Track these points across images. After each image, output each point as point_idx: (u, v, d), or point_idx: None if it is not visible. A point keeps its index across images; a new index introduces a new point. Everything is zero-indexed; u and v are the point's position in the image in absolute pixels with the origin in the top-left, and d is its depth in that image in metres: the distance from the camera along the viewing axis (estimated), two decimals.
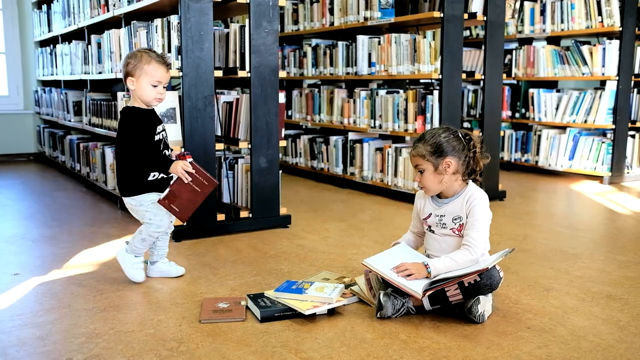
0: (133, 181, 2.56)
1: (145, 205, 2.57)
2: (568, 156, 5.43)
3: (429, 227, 2.36)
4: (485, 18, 4.23)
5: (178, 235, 3.29)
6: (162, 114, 3.56)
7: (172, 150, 2.70)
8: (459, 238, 2.27)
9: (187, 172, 2.49)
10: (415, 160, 2.30)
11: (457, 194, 2.30)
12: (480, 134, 4.32)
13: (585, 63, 5.23)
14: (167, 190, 2.50)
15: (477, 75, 4.37)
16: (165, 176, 2.58)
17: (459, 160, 2.26)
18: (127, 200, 2.60)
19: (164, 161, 2.53)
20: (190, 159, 2.52)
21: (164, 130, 2.62)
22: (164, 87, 2.55)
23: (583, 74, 5.27)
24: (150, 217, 2.57)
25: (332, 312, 2.24)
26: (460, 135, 2.28)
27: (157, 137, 2.56)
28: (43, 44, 6.50)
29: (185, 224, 3.28)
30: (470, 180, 2.32)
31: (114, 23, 4.26)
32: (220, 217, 3.42)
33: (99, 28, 4.57)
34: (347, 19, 4.96)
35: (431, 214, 2.34)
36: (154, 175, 2.56)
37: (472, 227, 2.22)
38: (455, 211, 2.27)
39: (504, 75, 4.44)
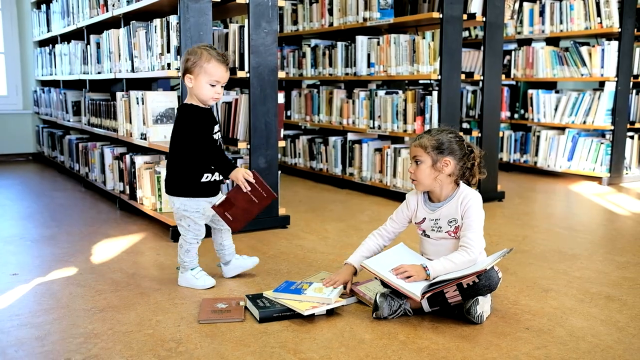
0: (184, 181, 2.50)
1: (189, 212, 2.51)
2: (567, 157, 5.44)
3: (423, 231, 2.35)
4: (484, 19, 4.23)
5: (177, 235, 3.27)
6: (162, 114, 3.56)
7: None
8: (455, 240, 2.27)
9: (247, 181, 2.42)
10: (415, 151, 2.28)
11: (450, 196, 2.29)
12: (479, 134, 4.32)
13: (584, 64, 5.24)
14: (224, 197, 2.42)
15: (476, 76, 4.38)
16: (217, 179, 2.52)
17: (457, 164, 2.26)
18: (172, 199, 2.54)
19: (227, 163, 2.46)
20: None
21: (220, 130, 2.57)
22: (221, 87, 2.48)
23: (582, 75, 5.27)
24: (188, 223, 2.53)
25: (330, 313, 2.24)
26: (464, 143, 2.29)
27: (214, 137, 2.50)
28: (42, 43, 6.49)
29: None
30: (461, 182, 2.32)
31: (113, 23, 4.26)
32: None
33: (98, 28, 4.57)
34: (347, 20, 4.96)
35: (425, 218, 2.33)
36: (207, 177, 2.51)
37: (469, 228, 2.22)
38: (451, 214, 2.27)
39: (503, 76, 4.44)
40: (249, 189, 2.42)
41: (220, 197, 2.45)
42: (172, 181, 2.53)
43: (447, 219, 2.27)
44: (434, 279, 2.17)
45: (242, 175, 2.42)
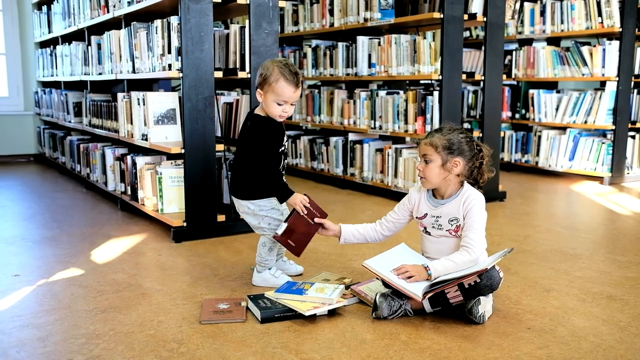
0: (255, 185, 2.52)
1: (265, 210, 2.53)
2: (568, 157, 5.44)
3: (424, 228, 2.35)
4: (485, 19, 4.23)
5: (178, 236, 3.29)
6: (163, 115, 3.56)
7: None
8: (455, 239, 2.27)
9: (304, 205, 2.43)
10: (425, 149, 2.27)
11: (454, 195, 2.29)
12: (481, 134, 4.32)
13: (585, 64, 5.23)
14: (285, 226, 2.41)
15: (477, 76, 4.37)
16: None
17: (466, 164, 2.26)
18: (245, 204, 2.54)
19: (284, 188, 2.46)
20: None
21: (287, 140, 2.57)
22: (291, 105, 2.47)
23: (583, 74, 5.27)
24: (268, 222, 2.53)
25: (332, 313, 2.24)
26: (474, 143, 2.28)
27: (281, 149, 2.51)
28: (43, 45, 6.50)
29: (185, 224, 3.28)
30: (466, 182, 2.32)
31: (114, 24, 4.27)
32: (221, 218, 3.42)
33: (99, 29, 4.57)
34: (347, 20, 4.96)
35: (427, 214, 2.33)
36: None
37: (471, 229, 2.22)
38: (452, 212, 2.27)
39: (504, 76, 4.44)
40: (306, 212, 2.44)
41: (281, 226, 2.43)
42: (243, 186, 2.54)
43: (448, 217, 2.27)
44: (435, 278, 2.17)
45: (300, 201, 2.42)
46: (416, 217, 2.38)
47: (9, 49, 6.76)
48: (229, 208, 3.52)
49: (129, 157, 3.91)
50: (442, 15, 4.02)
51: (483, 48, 4.32)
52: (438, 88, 4.13)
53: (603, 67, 5.11)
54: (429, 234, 2.33)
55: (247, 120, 2.57)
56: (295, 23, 5.68)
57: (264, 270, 2.57)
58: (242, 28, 3.43)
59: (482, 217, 2.24)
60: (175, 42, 3.29)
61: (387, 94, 4.56)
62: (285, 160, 2.59)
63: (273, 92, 2.41)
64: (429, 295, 2.14)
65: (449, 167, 2.25)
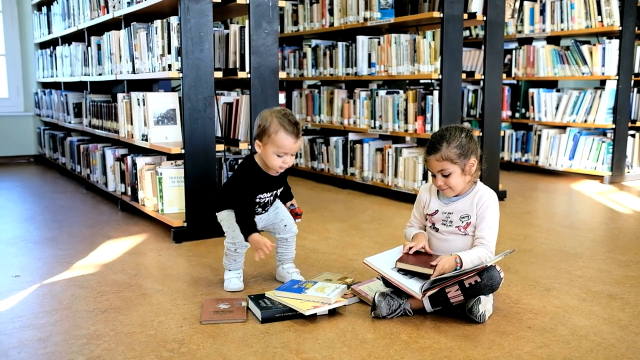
0: (223, 203, 2.53)
1: (222, 218, 2.53)
2: (568, 156, 5.43)
3: (433, 224, 2.34)
4: (485, 18, 4.23)
5: (179, 236, 3.29)
6: (163, 115, 3.56)
7: (292, 199, 2.67)
8: (463, 236, 2.27)
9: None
10: (440, 165, 2.23)
11: (467, 192, 2.29)
12: (480, 134, 4.32)
13: (585, 63, 5.23)
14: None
15: (477, 75, 4.37)
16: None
17: (477, 158, 2.26)
18: (218, 215, 2.58)
19: (246, 229, 2.42)
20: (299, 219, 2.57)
21: (271, 196, 2.53)
22: (291, 155, 2.40)
23: (583, 73, 5.27)
24: (226, 227, 2.52)
25: (332, 313, 2.24)
26: (467, 131, 2.28)
27: (256, 199, 2.49)
28: (43, 45, 6.50)
29: (186, 224, 3.29)
30: (478, 180, 2.32)
31: (113, 24, 4.26)
32: None
33: (98, 30, 4.57)
34: (347, 20, 4.96)
35: (437, 210, 2.32)
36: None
37: (486, 228, 2.24)
38: (465, 209, 2.27)
39: (504, 75, 4.43)
40: (265, 253, 2.39)
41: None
42: (217, 201, 2.59)
43: (459, 214, 2.27)
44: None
45: (262, 243, 2.38)
46: (426, 214, 2.37)
47: (9, 50, 6.77)
48: None
49: (129, 158, 3.91)
50: (441, 15, 4.02)
51: (483, 47, 4.32)
52: (438, 87, 4.13)
53: (603, 65, 5.11)
54: (437, 230, 2.32)
55: (243, 159, 2.56)
56: (295, 23, 5.68)
57: (226, 271, 2.59)
58: (242, 28, 3.43)
59: (497, 217, 2.27)
60: (175, 43, 3.28)
61: (387, 93, 4.55)
62: (264, 209, 2.57)
63: (273, 144, 2.35)
64: (429, 293, 2.14)
65: (468, 170, 2.24)
